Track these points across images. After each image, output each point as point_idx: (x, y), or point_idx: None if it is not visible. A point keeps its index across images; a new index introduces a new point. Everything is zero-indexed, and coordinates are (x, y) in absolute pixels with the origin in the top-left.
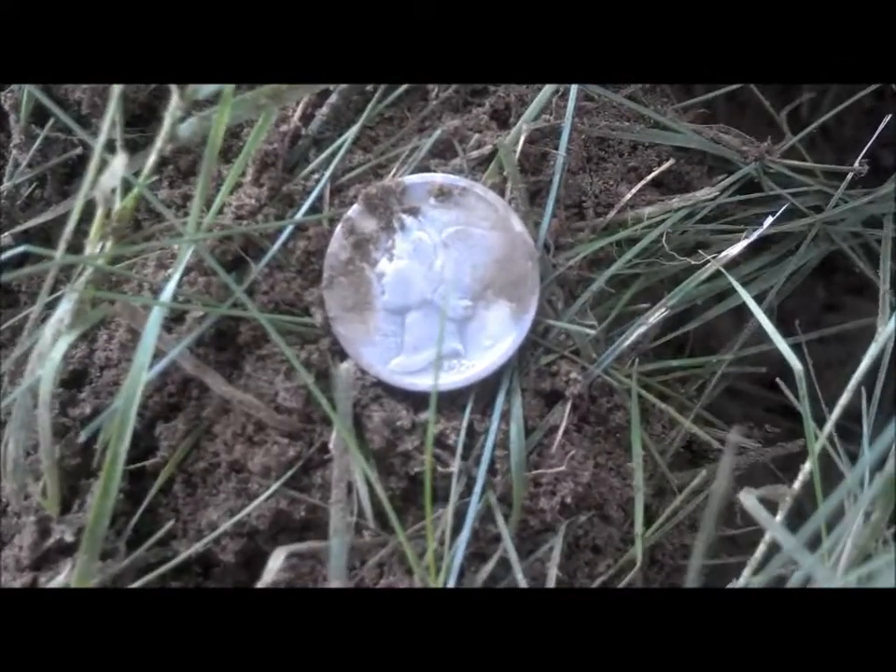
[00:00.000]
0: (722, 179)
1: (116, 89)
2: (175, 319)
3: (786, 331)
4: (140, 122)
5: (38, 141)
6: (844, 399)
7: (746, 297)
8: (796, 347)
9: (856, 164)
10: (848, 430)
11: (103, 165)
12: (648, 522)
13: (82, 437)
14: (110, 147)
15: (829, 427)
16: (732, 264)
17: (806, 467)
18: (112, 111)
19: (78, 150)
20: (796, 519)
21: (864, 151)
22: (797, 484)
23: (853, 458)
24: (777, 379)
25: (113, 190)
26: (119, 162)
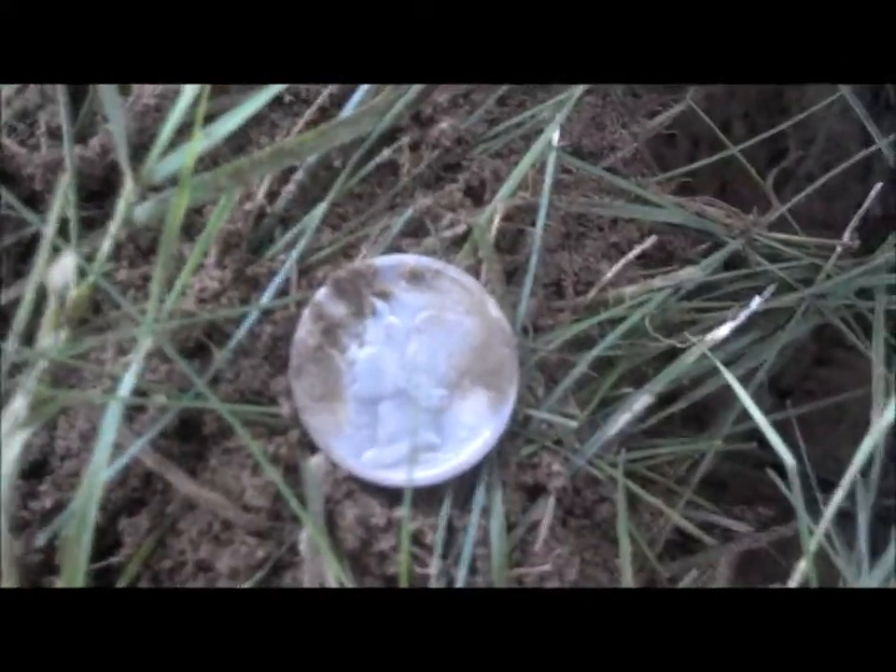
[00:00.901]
0: (707, 251)
1: (68, 170)
2: (136, 409)
3: (775, 385)
4: (97, 197)
5: None
6: (838, 497)
7: (733, 382)
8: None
9: (845, 237)
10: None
11: (55, 251)
12: None
13: (41, 539)
14: (64, 226)
15: (823, 524)
16: (719, 342)
17: (801, 566)
18: (63, 190)
19: (33, 229)
20: None
21: (853, 224)
22: (793, 584)
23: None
24: (769, 469)
25: (64, 286)
26: (69, 260)
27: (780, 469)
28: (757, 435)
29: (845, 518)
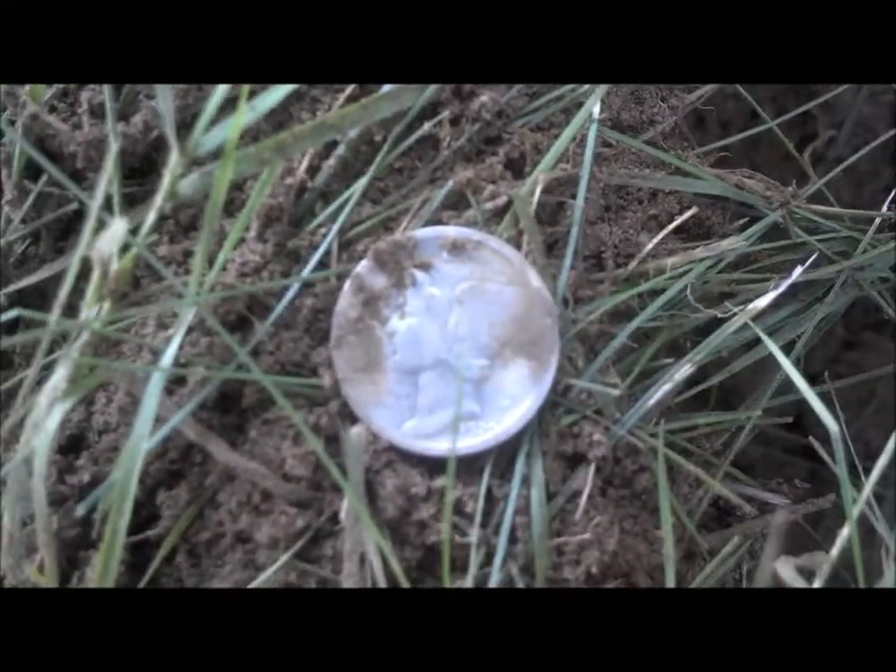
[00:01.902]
0: (745, 226)
1: (113, 147)
2: (176, 381)
3: (805, 369)
4: (139, 174)
5: (32, 197)
6: (883, 461)
7: (776, 352)
8: (824, 396)
9: (884, 209)
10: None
11: (100, 225)
12: None
13: (80, 510)
14: (107, 205)
15: (867, 491)
16: (758, 314)
17: (844, 532)
18: (109, 167)
19: (74, 206)
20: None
21: (892, 196)
22: (835, 551)
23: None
24: (811, 438)
25: (111, 254)
26: (119, 227)
27: (811, 453)
28: (788, 412)
29: (877, 499)
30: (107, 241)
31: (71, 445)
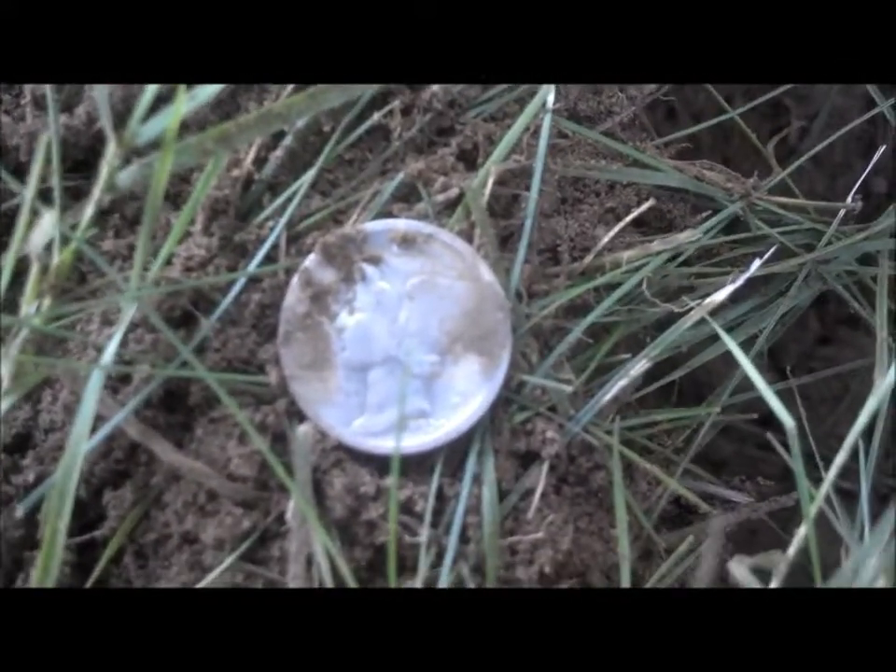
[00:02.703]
0: (706, 218)
1: (49, 136)
2: (121, 379)
3: (776, 364)
4: (84, 167)
5: None
6: (840, 459)
7: (733, 347)
8: (788, 392)
9: (848, 200)
10: (845, 476)
11: (34, 219)
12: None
13: (20, 511)
14: (47, 198)
15: (825, 487)
16: (718, 308)
17: (802, 531)
18: (41, 157)
19: (17, 200)
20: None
21: (856, 187)
22: (791, 550)
23: (850, 509)
24: (769, 435)
25: (47, 247)
26: (50, 219)
27: (783, 445)
28: (757, 408)
29: (845, 497)
30: (40, 234)
31: (17, 444)
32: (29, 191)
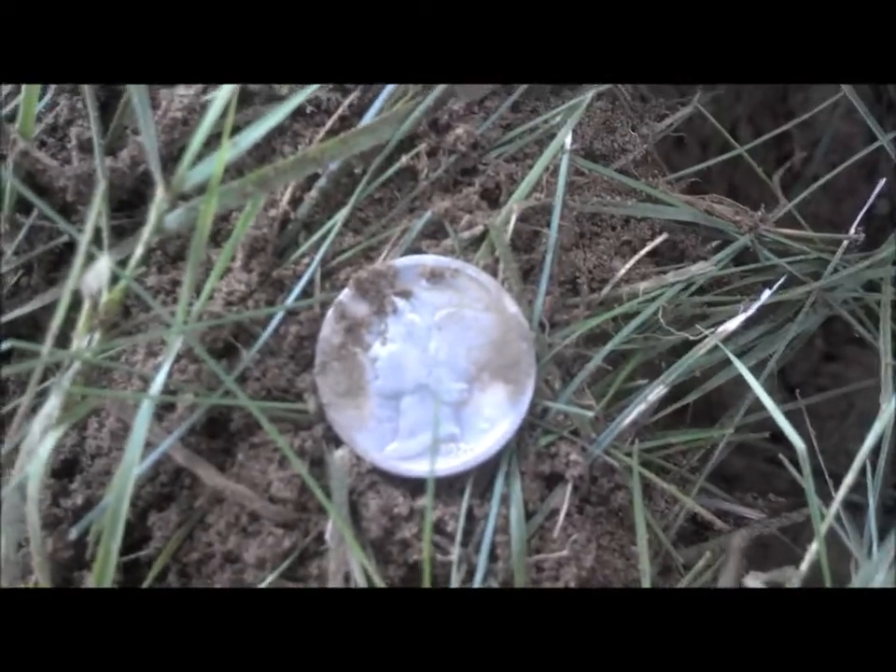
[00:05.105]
0: (717, 249)
1: (101, 183)
2: (166, 407)
3: (784, 381)
4: (127, 207)
5: (23, 230)
6: (849, 479)
7: (745, 373)
8: (797, 411)
9: (851, 231)
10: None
11: (89, 258)
12: None
13: (73, 533)
14: (97, 235)
15: (835, 506)
16: (730, 335)
17: (813, 547)
18: (97, 202)
19: (65, 238)
20: None
21: (860, 217)
22: (804, 566)
23: (857, 522)
24: (780, 456)
25: (98, 289)
26: (104, 264)
27: (794, 462)
28: (768, 426)
29: (853, 509)
30: (94, 276)
31: (65, 469)
32: (86, 235)
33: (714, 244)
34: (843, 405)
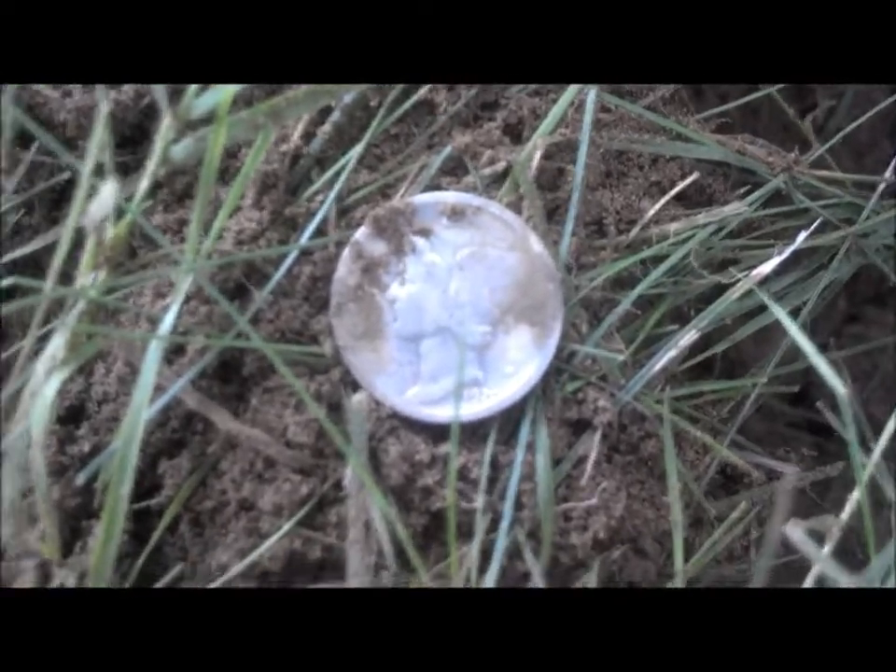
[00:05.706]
0: (748, 192)
1: (103, 109)
2: (175, 351)
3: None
4: (130, 144)
5: (24, 166)
6: (891, 426)
7: (783, 317)
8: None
9: (888, 174)
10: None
11: (92, 191)
12: (685, 555)
13: (80, 479)
14: (99, 172)
15: (876, 455)
16: (761, 280)
17: (854, 495)
18: (99, 133)
19: (66, 175)
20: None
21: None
22: (845, 515)
23: None
24: (819, 403)
25: (104, 219)
26: (109, 190)
27: (815, 427)
28: (797, 381)
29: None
30: (99, 205)
31: (71, 415)
32: (87, 165)
33: (743, 189)
34: (867, 366)
